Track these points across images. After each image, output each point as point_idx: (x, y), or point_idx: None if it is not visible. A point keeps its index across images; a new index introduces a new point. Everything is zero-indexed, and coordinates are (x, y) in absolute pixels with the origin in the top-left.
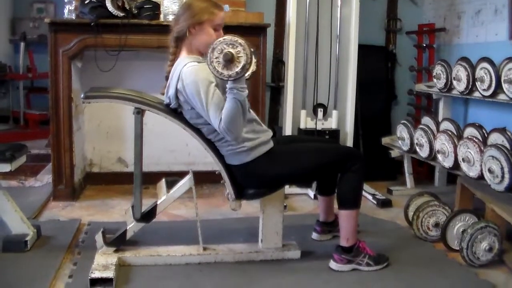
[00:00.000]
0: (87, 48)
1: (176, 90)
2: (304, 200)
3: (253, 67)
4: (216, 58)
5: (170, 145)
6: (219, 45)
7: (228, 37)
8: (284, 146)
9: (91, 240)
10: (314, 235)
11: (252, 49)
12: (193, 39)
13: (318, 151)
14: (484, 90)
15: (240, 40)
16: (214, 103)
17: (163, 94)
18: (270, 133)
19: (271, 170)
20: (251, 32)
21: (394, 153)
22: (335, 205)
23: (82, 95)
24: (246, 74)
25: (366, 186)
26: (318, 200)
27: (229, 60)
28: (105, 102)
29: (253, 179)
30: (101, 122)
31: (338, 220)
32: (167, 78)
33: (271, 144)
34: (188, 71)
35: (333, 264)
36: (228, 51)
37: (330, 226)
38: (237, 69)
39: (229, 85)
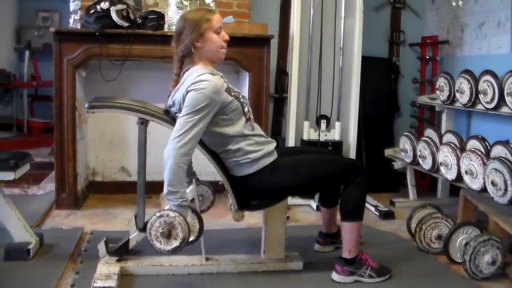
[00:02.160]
0: (91, 57)
1: (184, 96)
2: (307, 211)
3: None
4: (154, 231)
5: None
6: (159, 222)
7: (163, 217)
8: (287, 158)
9: (93, 249)
10: (317, 247)
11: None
12: (201, 51)
13: (321, 163)
14: (487, 102)
15: (180, 220)
16: (190, 126)
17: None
18: (274, 144)
19: (274, 182)
20: (255, 43)
21: (397, 165)
22: (338, 217)
23: (86, 105)
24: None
25: (368, 198)
26: (320, 211)
27: (167, 234)
28: (108, 112)
29: (256, 191)
30: (104, 131)
31: (341, 232)
32: (168, 97)
33: (275, 156)
34: (201, 78)
35: (335, 276)
36: (166, 230)
37: (332, 237)
38: (174, 245)
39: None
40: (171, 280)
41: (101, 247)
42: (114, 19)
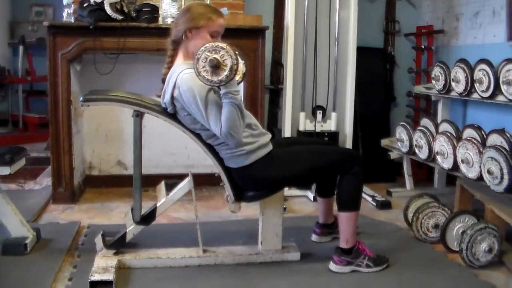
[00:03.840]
0: (86, 51)
1: (172, 97)
2: (304, 202)
3: (242, 68)
4: (203, 67)
5: (170, 147)
6: (202, 53)
7: (209, 44)
8: (283, 149)
9: (90, 243)
10: (314, 237)
11: (236, 51)
12: (189, 43)
13: (317, 153)
14: (482, 91)
15: (222, 44)
16: (212, 110)
17: (159, 96)
18: (269, 136)
19: (270, 173)
20: (249, 34)
21: (393, 155)
22: (335, 207)
23: (81, 99)
24: (237, 77)
25: (365, 188)
26: (317, 202)
27: (215, 66)
28: (104, 105)
29: (252, 182)
30: (100, 125)
31: (338, 222)
32: (163, 80)
33: (270, 147)
34: (184, 78)
35: (332, 266)
36: (213, 57)
37: (329, 228)
38: (226, 73)
39: (222, 90)
40: (169, 272)
41: (98, 240)
42: (108, 12)
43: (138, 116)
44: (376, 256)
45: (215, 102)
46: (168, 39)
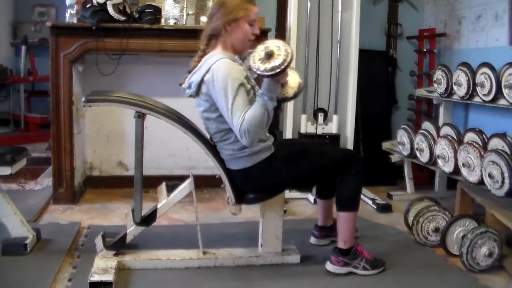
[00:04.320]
0: (88, 52)
1: (202, 80)
2: (304, 204)
3: (295, 84)
4: (259, 54)
5: (171, 149)
6: (268, 43)
7: (280, 41)
8: (283, 151)
9: (91, 244)
10: (312, 240)
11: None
12: (229, 36)
13: (318, 156)
14: (484, 95)
15: (286, 46)
16: (239, 104)
17: (181, 84)
18: (271, 140)
19: (270, 176)
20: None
21: (394, 158)
22: (334, 210)
23: (83, 99)
24: (290, 92)
25: (366, 191)
26: (315, 203)
27: (269, 55)
28: (106, 106)
29: (252, 185)
30: (101, 126)
31: (336, 224)
32: (189, 72)
33: (272, 150)
34: (221, 66)
35: (329, 266)
36: (271, 48)
37: (328, 231)
38: (273, 64)
39: (261, 89)
40: (169, 274)
41: (98, 241)
42: (111, 13)
43: (140, 117)
44: (374, 259)
45: (243, 97)
46: (202, 34)
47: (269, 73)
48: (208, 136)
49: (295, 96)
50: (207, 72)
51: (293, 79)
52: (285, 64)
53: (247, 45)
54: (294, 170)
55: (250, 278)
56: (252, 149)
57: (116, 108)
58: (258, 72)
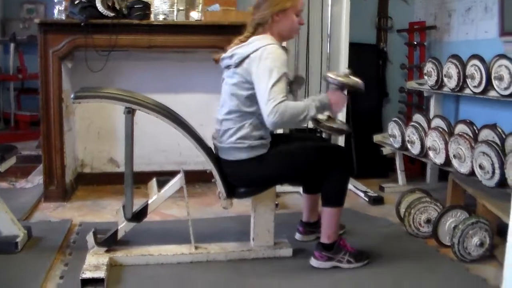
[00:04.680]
0: (77, 48)
1: (247, 56)
2: (296, 198)
3: (340, 124)
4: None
5: (162, 144)
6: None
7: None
8: (275, 147)
9: (82, 241)
10: (297, 236)
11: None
12: (276, 26)
13: (307, 151)
14: (474, 87)
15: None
16: (281, 88)
17: (217, 61)
18: (269, 140)
19: (260, 171)
20: (242, 31)
21: (386, 151)
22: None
23: (72, 96)
24: (330, 123)
25: (358, 183)
26: (302, 198)
27: (348, 75)
28: (96, 102)
29: (243, 178)
30: (92, 123)
31: (321, 219)
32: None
33: (267, 148)
34: (272, 51)
35: (313, 261)
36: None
37: (313, 227)
38: (354, 79)
39: (315, 96)
40: (161, 269)
41: (90, 238)
42: (100, 9)
43: (130, 113)
44: (357, 251)
45: (284, 84)
46: (250, 21)
47: (338, 84)
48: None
49: (329, 129)
50: (255, 50)
51: (342, 124)
52: (352, 88)
53: (294, 34)
54: (284, 166)
55: (242, 272)
56: (252, 142)
57: (106, 104)
58: (336, 80)
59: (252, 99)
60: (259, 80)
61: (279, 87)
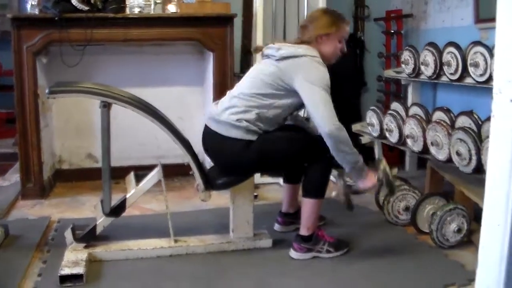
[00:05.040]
0: (52, 43)
1: (291, 56)
2: (276, 189)
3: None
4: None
5: (140, 139)
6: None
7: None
8: (260, 135)
9: (61, 237)
10: (276, 227)
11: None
12: (319, 46)
13: (291, 141)
14: (451, 74)
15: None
16: (332, 107)
17: (259, 49)
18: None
19: (244, 155)
20: (218, 22)
21: (365, 140)
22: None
23: (47, 91)
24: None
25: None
26: (283, 188)
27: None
28: (72, 97)
29: (223, 156)
30: (69, 118)
31: (301, 210)
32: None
33: (255, 138)
34: (319, 66)
35: (293, 253)
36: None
37: (292, 217)
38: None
39: (360, 158)
40: (140, 263)
41: (68, 234)
42: (74, 3)
43: (106, 107)
44: (336, 241)
45: (330, 101)
46: (296, 39)
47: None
48: None
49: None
50: (303, 55)
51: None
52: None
53: (334, 59)
54: (266, 153)
55: (222, 264)
56: (249, 125)
57: (84, 99)
58: (383, 174)
59: (273, 96)
60: (309, 90)
61: (331, 108)
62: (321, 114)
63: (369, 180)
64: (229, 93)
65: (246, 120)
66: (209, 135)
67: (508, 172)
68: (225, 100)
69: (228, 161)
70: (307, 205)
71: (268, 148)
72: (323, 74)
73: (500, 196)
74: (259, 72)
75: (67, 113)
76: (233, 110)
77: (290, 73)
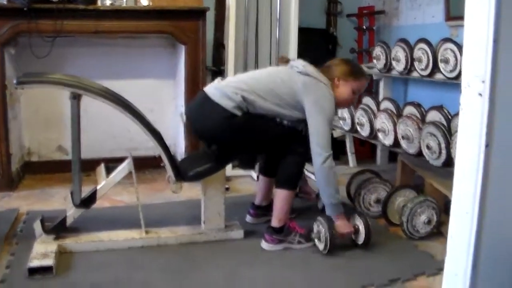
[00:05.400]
0: (20, 34)
1: (311, 76)
2: (247, 182)
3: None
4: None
5: (112, 131)
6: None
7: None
8: (244, 119)
9: (29, 230)
10: (248, 218)
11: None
12: (335, 88)
13: (270, 125)
14: (422, 69)
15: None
16: (329, 137)
17: (282, 59)
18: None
19: (223, 125)
20: (190, 16)
21: (336, 133)
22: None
23: (14, 81)
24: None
25: (309, 166)
26: (258, 180)
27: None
28: (41, 89)
29: (208, 122)
30: (38, 110)
31: (273, 202)
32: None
33: (240, 116)
34: (331, 99)
35: (264, 245)
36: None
37: (264, 210)
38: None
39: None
40: (111, 255)
41: (37, 226)
42: None
43: (75, 98)
44: (307, 232)
45: (329, 133)
46: (321, 70)
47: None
48: None
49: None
50: (321, 82)
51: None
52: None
53: (342, 106)
54: (244, 130)
55: (193, 255)
56: (241, 102)
57: (53, 91)
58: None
59: (281, 99)
60: (317, 114)
61: (328, 137)
62: (320, 141)
63: (343, 227)
64: (236, 76)
65: (242, 96)
66: (201, 98)
67: (476, 161)
68: (231, 79)
69: (208, 125)
70: (280, 196)
71: (248, 126)
72: (333, 108)
73: (469, 185)
74: (279, 73)
75: (36, 105)
76: (236, 85)
77: (306, 89)
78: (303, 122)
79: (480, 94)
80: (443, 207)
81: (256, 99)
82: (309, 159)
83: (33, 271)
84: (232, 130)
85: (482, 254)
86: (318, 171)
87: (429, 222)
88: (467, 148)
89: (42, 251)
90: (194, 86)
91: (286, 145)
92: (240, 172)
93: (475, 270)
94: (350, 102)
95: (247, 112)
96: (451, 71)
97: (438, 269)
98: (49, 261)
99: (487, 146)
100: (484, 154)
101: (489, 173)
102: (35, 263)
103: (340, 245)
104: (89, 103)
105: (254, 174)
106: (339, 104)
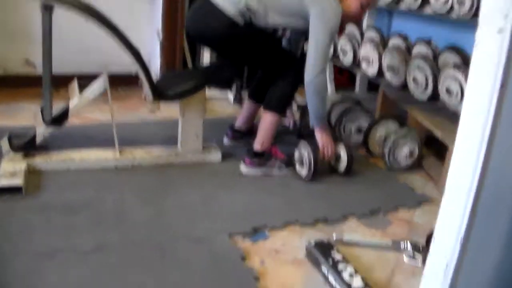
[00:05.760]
0: None
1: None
2: (225, 104)
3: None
4: None
5: (84, 45)
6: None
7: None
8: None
9: None
10: (225, 140)
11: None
12: (343, 1)
13: (269, 42)
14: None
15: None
16: (327, 54)
17: None
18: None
19: (222, 29)
20: None
21: None
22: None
23: None
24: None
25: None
26: (243, 104)
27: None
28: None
29: (211, 26)
30: (5, 22)
31: (259, 124)
32: None
33: (242, 25)
34: (338, 10)
35: (243, 167)
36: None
37: (241, 134)
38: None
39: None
40: (83, 175)
41: (4, 143)
42: None
43: (47, 10)
44: (287, 157)
45: (329, 50)
46: None
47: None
48: None
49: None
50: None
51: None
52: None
53: (351, 20)
54: (242, 40)
55: (170, 177)
56: (244, 10)
57: (20, 1)
58: None
59: (282, 11)
60: (321, 24)
61: (326, 54)
62: (317, 54)
63: (326, 142)
64: None
65: (246, 4)
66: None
67: (488, 102)
68: None
69: (208, 31)
70: (266, 120)
71: (247, 37)
72: (337, 22)
73: (477, 125)
74: None
75: (2, 17)
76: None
77: (308, 4)
78: (304, 35)
79: (501, 31)
80: (425, 141)
81: (261, 9)
82: (301, 82)
83: (1, 191)
84: (232, 39)
85: (483, 197)
86: (310, 83)
87: (411, 154)
88: (479, 87)
89: (10, 169)
90: (172, 3)
91: (280, 69)
92: (216, 94)
93: (473, 211)
94: (357, 17)
95: (249, 24)
96: (444, 3)
97: (418, 201)
98: (18, 180)
99: (502, 86)
100: (498, 94)
101: (501, 114)
102: (3, 182)
103: (320, 172)
104: (60, 16)
105: (230, 96)
106: (346, 18)
